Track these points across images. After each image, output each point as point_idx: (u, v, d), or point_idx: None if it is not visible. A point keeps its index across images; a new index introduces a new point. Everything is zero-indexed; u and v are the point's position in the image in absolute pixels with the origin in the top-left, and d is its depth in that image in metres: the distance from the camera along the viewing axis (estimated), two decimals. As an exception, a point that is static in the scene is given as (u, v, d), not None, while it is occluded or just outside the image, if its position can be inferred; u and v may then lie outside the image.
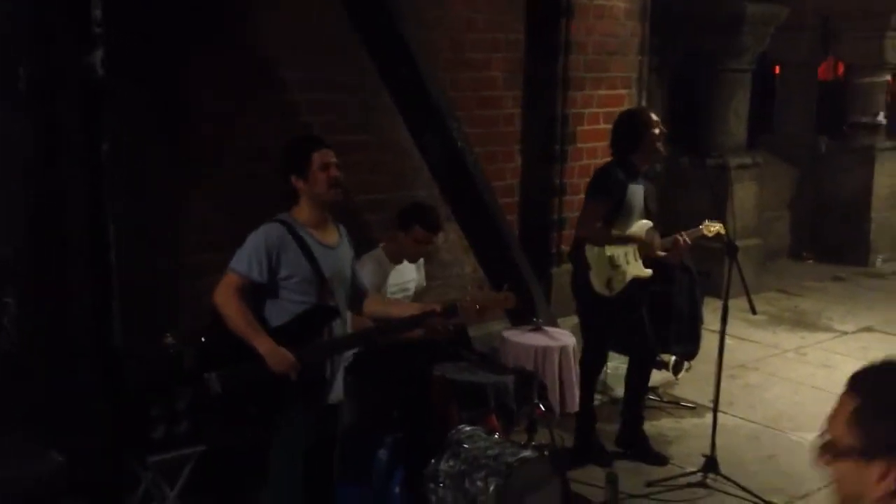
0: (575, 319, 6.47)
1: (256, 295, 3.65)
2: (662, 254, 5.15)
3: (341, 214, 3.95)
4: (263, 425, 3.69)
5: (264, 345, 3.54)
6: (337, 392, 3.88)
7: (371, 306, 4.03)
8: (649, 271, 5.18)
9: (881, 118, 10.37)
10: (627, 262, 5.06)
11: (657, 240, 5.11)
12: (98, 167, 4.10)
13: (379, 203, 5.51)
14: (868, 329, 7.99)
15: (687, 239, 5.13)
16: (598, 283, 5.07)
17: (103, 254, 4.14)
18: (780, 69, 10.98)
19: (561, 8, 6.31)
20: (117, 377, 4.24)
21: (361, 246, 4.53)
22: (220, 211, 4.96)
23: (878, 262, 10.29)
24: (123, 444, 4.22)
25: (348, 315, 3.96)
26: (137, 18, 4.49)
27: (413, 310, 3.89)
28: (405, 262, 4.87)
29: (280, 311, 3.67)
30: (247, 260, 3.60)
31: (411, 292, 4.92)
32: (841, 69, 11.50)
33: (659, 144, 5.07)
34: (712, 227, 5.28)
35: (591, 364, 5.28)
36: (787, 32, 9.82)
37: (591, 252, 5.08)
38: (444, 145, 5.52)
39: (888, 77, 10.39)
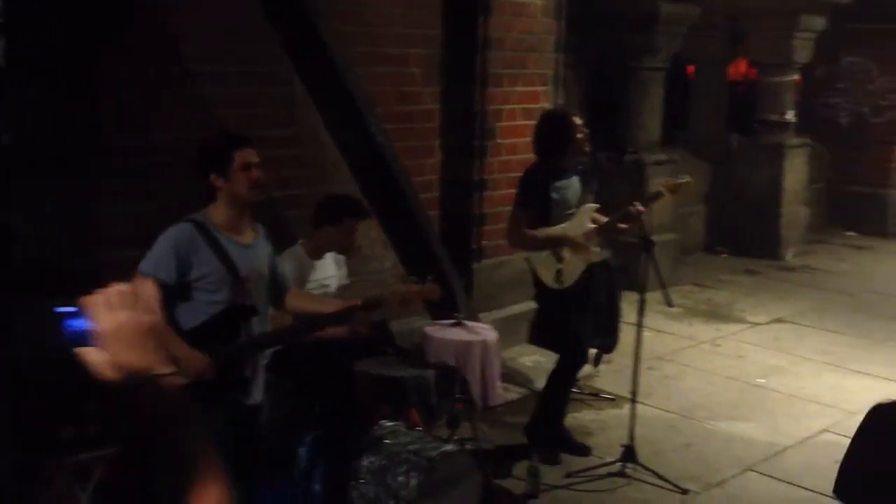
0: (497, 314, 6.55)
1: (167, 297, 3.58)
2: (624, 226, 5.19)
3: (258, 209, 3.89)
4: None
5: (176, 347, 3.47)
6: (258, 392, 3.83)
7: (293, 302, 3.98)
8: (605, 252, 5.24)
9: (789, 116, 10.66)
10: (576, 252, 5.09)
11: (584, 233, 5.11)
12: (-2, 160, 3.97)
13: (298, 198, 5.44)
14: (779, 320, 8.21)
15: (640, 207, 5.17)
16: (547, 278, 5.12)
17: (4, 249, 4.01)
18: (694, 68, 11.22)
19: (478, 4, 6.32)
20: (22, 377, 4.09)
21: (280, 242, 4.47)
22: (140, 206, 4.83)
23: (789, 255, 10.59)
24: (29, 446, 4.08)
25: (269, 313, 3.92)
26: (44, 8, 4.35)
27: (335, 306, 3.86)
28: (325, 258, 4.82)
29: (194, 313, 3.61)
30: (154, 262, 3.54)
31: (332, 289, 4.87)
32: (745, 68, 11.84)
33: (583, 146, 5.15)
34: (673, 183, 5.36)
35: (570, 364, 5.29)
36: (700, 32, 10.03)
37: (531, 255, 5.15)
38: (364, 140, 5.49)
39: (796, 76, 10.69)
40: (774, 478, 5.13)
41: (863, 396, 6.15)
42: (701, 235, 10.74)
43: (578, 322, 5.20)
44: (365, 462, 4.14)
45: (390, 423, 4.32)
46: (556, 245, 5.06)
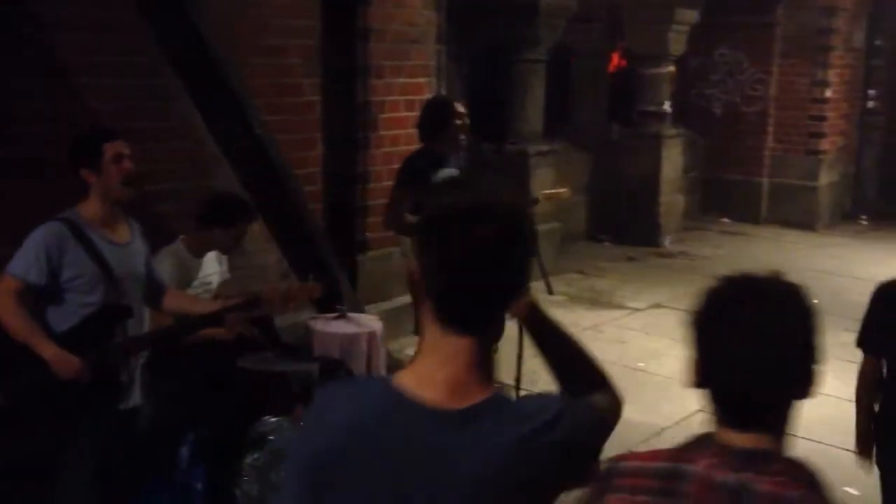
0: (383, 306, 6.55)
1: (38, 299, 3.47)
2: None
3: (134, 206, 3.79)
4: (54, 436, 3.51)
5: (48, 350, 3.37)
6: (135, 394, 3.74)
7: (170, 303, 3.89)
8: None
9: (666, 107, 10.99)
10: None
11: None
12: None
13: (176, 193, 5.31)
14: (657, 305, 8.46)
15: None
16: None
17: None
18: (574, 60, 11.44)
19: (358, -5, 6.31)
20: None
21: (158, 239, 4.37)
22: (12, 202, 4.63)
23: (667, 242, 10.93)
24: None
25: (147, 313, 3.83)
26: None
27: (213, 306, 3.79)
28: (208, 256, 4.73)
29: (66, 315, 3.50)
30: (24, 262, 3.42)
31: (214, 285, 4.78)
32: (617, 60, 12.15)
33: (462, 134, 5.19)
34: (549, 193, 5.43)
35: None
36: (579, 24, 10.25)
37: (404, 240, 5.15)
38: (243, 133, 5.41)
39: (672, 68, 11.02)
40: (653, 458, 5.29)
41: (736, 376, 6.41)
42: (583, 224, 10.98)
43: None
44: (248, 460, 4.09)
45: (274, 420, 4.28)
46: None
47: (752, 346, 1.56)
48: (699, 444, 1.73)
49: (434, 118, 5.16)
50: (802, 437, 5.02)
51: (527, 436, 1.51)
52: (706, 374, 1.63)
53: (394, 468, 1.48)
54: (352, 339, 4.98)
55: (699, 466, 1.65)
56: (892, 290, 3.29)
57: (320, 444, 1.53)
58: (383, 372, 5.09)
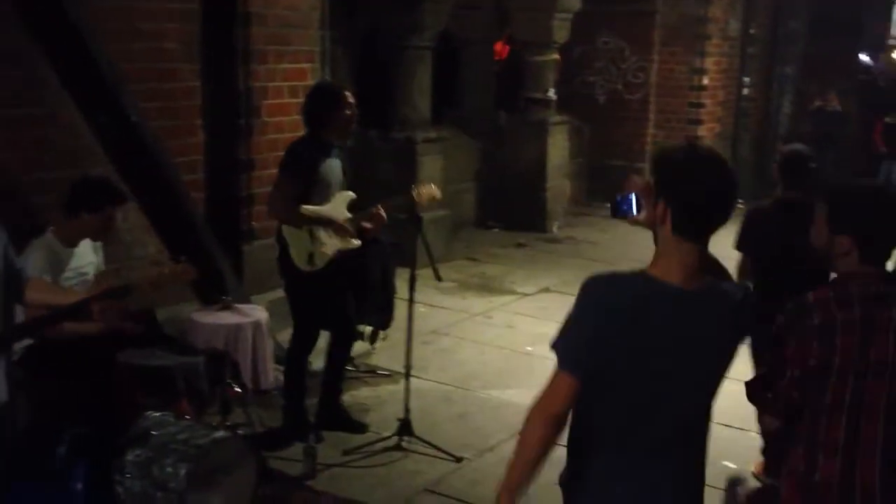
0: (270, 296, 6.43)
1: None
2: (368, 225, 5.16)
3: (6, 196, 3.61)
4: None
5: None
6: (2, 391, 3.55)
7: (33, 295, 3.71)
8: (357, 242, 5.21)
9: (552, 94, 11.12)
10: (330, 236, 5.03)
11: (346, 223, 5.07)
12: None
13: (47, 183, 5.09)
14: (546, 290, 8.58)
15: (382, 212, 5.16)
16: (298, 259, 5.02)
17: None
18: (461, 47, 11.46)
19: (237, -21, 6.16)
20: None
21: (28, 229, 4.18)
22: None
23: (554, 228, 11.08)
24: None
25: (17, 308, 3.64)
26: None
27: (77, 296, 3.63)
28: (82, 245, 4.55)
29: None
30: None
31: (90, 276, 4.61)
32: (503, 47, 12.26)
33: (350, 122, 5.10)
34: (423, 191, 5.38)
35: (298, 344, 5.23)
36: (465, 11, 10.27)
37: (287, 228, 5.03)
38: (118, 120, 5.22)
39: (556, 55, 11.16)
40: (542, 440, 5.36)
41: (621, 357, 6.55)
42: (473, 211, 11.04)
43: (334, 304, 5.17)
44: (130, 456, 3.96)
45: (157, 414, 4.15)
46: (322, 224, 4.97)
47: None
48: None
49: (322, 105, 5.04)
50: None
51: (732, 306, 2.40)
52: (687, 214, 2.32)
53: (655, 325, 2.33)
54: (237, 330, 4.87)
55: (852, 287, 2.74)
56: (757, 210, 4.62)
57: (614, 300, 2.33)
58: (269, 364, 4.99)
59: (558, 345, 2.42)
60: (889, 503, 2.75)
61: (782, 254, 4.32)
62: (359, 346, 6.57)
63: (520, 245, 10.40)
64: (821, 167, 13.66)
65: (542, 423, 2.41)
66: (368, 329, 6.62)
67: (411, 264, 5.22)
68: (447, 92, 11.17)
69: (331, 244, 5.02)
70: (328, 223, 4.97)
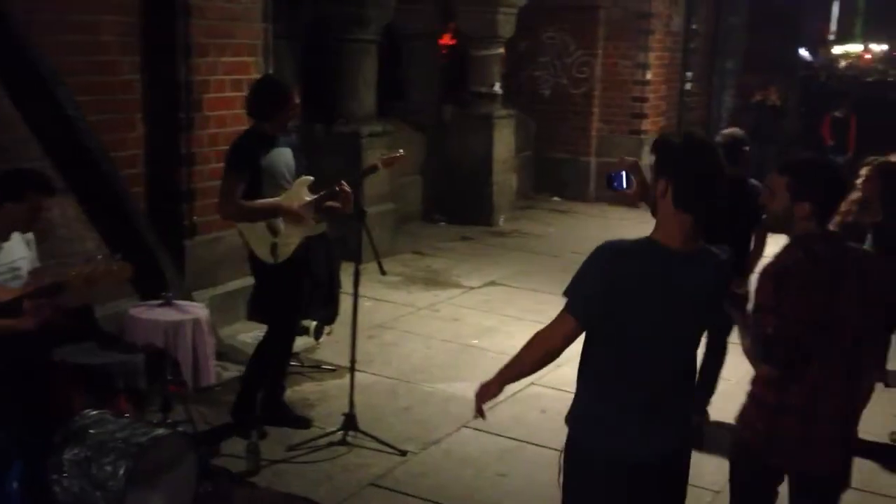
0: (213, 291, 6.38)
1: None
2: (335, 204, 5.13)
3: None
4: None
5: None
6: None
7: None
8: (322, 225, 5.16)
9: (497, 88, 11.16)
10: (295, 222, 4.99)
11: (301, 205, 5.03)
12: None
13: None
14: (492, 283, 8.61)
15: (346, 186, 5.12)
16: (261, 252, 4.99)
17: None
18: (406, 40, 11.43)
19: (177, -30, 6.07)
20: None
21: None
22: None
23: (500, 221, 11.13)
24: None
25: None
26: None
27: (8, 294, 3.55)
28: (13, 239, 4.44)
29: None
30: None
31: (23, 271, 4.49)
32: (449, 41, 12.26)
33: (293, 115, 5.09)
34: (387, 157, 5.38)
35: (273, 339, 5.18)
36: (411, 4, 10.25)
37: (243, 224, 5.00)
38: (54, 114, 5.11)
39: (501, 49, 11.19)
40: (486, 431, 5.37)
41: (566, 349, 6.59)
42: (418, 204, 11.04)
43: (294, 296, 5.16)
44: (68, 455, 3.90)
45: (95, 412, 4.09)
46: (273, 215, 4.94)
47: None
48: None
49: (262, 100, 5.02)
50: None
51: (718, 265, 2.89)
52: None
53: (658, 280, 2.80)
54: (176, 327, 4.81)
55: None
56: None
57: (623, 260, 2.80)
58: (211, 361, 4.94)
59: (569, 292, 2.87)
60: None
61: (727, 220, 4.53)
62: (303, 341, 6.55)
63: (466, 238, 10.42)
64: (762, 160, 14.00)
65: (541, 351, 2.95)
66: (313, 324, 6.59)
67: (356, 258, 5.20)
68: (393, 86, 11.14)
69: (295, 232, 4.99)
70: (279, 212, 4.94)
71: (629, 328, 2.82)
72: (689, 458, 3.06)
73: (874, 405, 5.59)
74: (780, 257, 3.21)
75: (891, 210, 5.08)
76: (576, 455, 2.97)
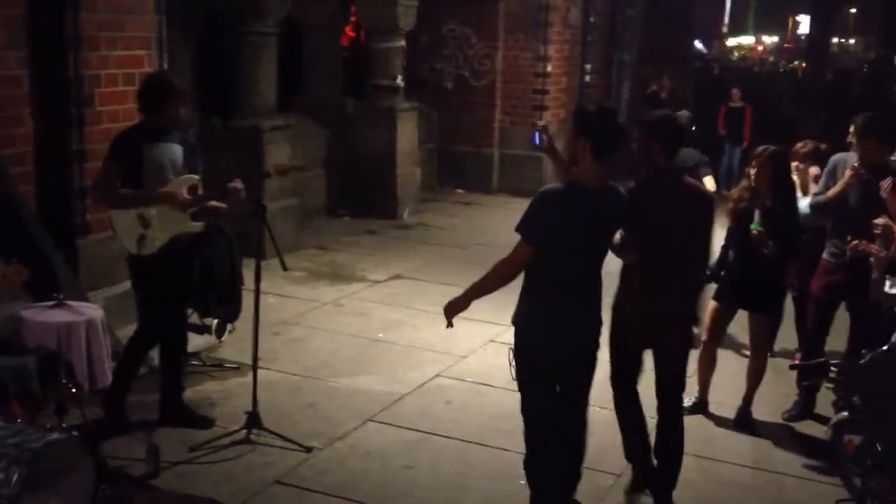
0: (108, 292, 6.22)
1: None
2: (217, 204, 5.06)
3: None
4: None
5: None
6: None
7: None
8: (198, 224, 5.09)
9: (399, 81, 11.15)
10: (171, 219, 4.90)
11: (181, 193, 4.96)
12: None
13: None
14: (397, 277, 8.61)
15: (238, 184, 5.07)
16: (127, 242, 4.90)
17: None
18: (306, 32, 11.34)
19: (66, -38, 5.88)
20: None
21: None
22: None
23: (405, 214, 11.13)
24: None
25: None
26: None
27: None
28: None
29: None
30: None
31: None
32: (351, 33, 12.23)
33: (180, 109, 5.02)
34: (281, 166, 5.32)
35: (140, 335, 5.10)
36: (310, -3, 10.17)
37: (113, 211, 4.91)
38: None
39: (403, 42, 11.18)
40: (392, 425, 5.39)
41: (470, 340, 6.65)
42: (323, 199, 10.96)
43: (160, 292, 5.06)
44: (-43, 464, 3.75)
45: (-14, 419, 3.95)
46: (145, 202, 4.88)
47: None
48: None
49: (150, 94, 5.00)
50: (517, 391, 5.30)
51: (624, 198, 4.05)
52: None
53: (582, 213, 3.84)
54: (69, 329, 4.67)
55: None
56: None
57: (559, 198, 3.86)
58: (107, 362, 4.81)
59: (521, 227, 3.85)
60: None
61: None
62: (206, 340, 6.46)
63: (370, 232, 10.40)
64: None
65: (504, 276, 3.97)
66: (215, 322, 6.50)
67: (257, 254, 5.15)
68: (294, 79, 11.03)
69: (167, 227, 4.90)
70: (153, 199, 4.86)
71: (565, 249, 3.86)
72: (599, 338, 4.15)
73: (768, 386, 5.82)
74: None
75: (779, 196, 5.28)
76: (528, 347, 3.98)
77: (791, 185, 5.50)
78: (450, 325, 4.07)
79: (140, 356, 5.20)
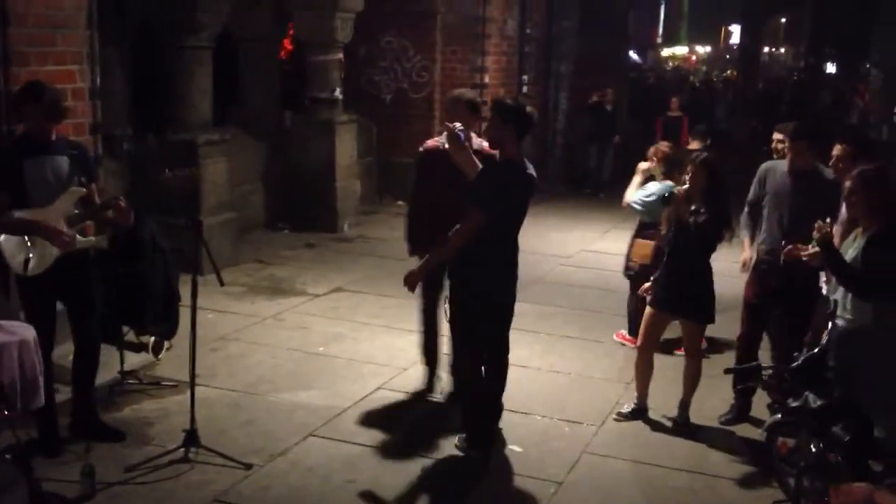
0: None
1: None
2: (111, 215, 4.97)
3: None
4: None
5: None
6: None
7: None
8: (92, 239, 5.01)
9: (338, 93, 11.14)
10: (50, 239, 4.73)
11: (70, 221, 4.84)
12: None
13: None
14: (338, 289, 8.59)
15: (122, 202, 4.93)
16: (14, 263, 4.81)
17: None
18: (243, 46, 11.26)
19: (-8, -24, 5.78)
20: None
21: None
22: None
23: (345, 227, 11.11)
24: None
25: None
26: None
27: None
28: None
29: None
30: None
31: None
32: (290, 46, 12.19)
33: (46, 121, 4.89)
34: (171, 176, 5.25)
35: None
36: (247, 10, 10.11)
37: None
38: None
39: (340, 55, 11.17)
40: (333, 439, 5.36)
41: (410, 353, 6.65)
42: (261, 213, 10.89)
43: (42, 311, 4.98)
44: None
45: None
46: (23, 232, 4.75)
47: None
48: None
49: (22, 102, 4.93)
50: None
51: (526, 172, 5.07)
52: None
53: (516, 182, 5.03)
54: (0, 349, 4.56)
55: None
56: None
57: (501, 173, 4.98)
58: (41, 381, 4.72)
59: (476, 198, 4.91)
60: None
61: None
62: (142, 358, 6.37)
63: (310, 245, 10.35)
64: (602, 160, 14.52)
65: (463, 240, 4.93)
66: (151, 339, 6.41)
67: (194, 270, 5.09)
68: (230, 92, 10.95)
69: (51, 248, 4.80)
70: (32, 229, 4.72)
71: (504, 214, 4.96)
72: None
73: (706, 391, 5.93)
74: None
75: (711, 200, 5.41)
76: (467, 298, 5.09)
77: (725, 190, 5.63)
78: (412, 291, 5.17)
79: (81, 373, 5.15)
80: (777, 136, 6.13)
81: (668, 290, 5.62)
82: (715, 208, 5.41)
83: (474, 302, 5.08)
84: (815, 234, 4.60)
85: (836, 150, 5.44)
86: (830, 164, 5.51)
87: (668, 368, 6.37)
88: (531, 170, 5.10)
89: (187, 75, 8.82)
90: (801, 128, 5.75)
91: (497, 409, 5.45)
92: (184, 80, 8.82)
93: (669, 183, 6.64)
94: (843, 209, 4.96)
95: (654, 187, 6.93)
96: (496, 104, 5.10)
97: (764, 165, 5.92)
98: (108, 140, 7.51)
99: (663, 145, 7.41)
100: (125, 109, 9.08)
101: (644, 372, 5.82)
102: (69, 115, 5.59)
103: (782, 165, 5.72)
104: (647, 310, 5.73)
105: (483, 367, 5.26)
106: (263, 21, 11.30)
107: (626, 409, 5.87)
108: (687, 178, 5.53)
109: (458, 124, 5.16)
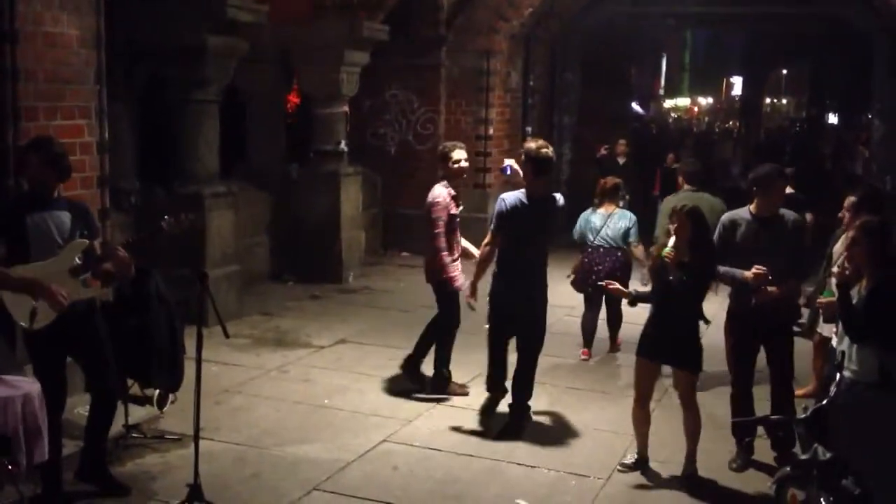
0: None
1: None
2: (109, 268, 5.00)
3: None
4: None
5: None
6: None
7: None
8: (93, 290, 5.03)
9: (343, 146, 11.24)
10: (48, 300, 4.73)
11: (73, 272, 4.87)
12: None
13: None
14: (342, 341, 8.57)
15: (121, 251, 5.00)
16: (18, 314, 4.81)
17: None
18: (248, 100, 11.38)
19: (3, 33, 5.86)
20: None
21: None
22: None
23: (350, 278, 11.12)
24: None
25: None
26: None
27: None
28: None
29: None
30: None
31: None
32: (295, 100, 12.31)
33: (38, 177, 4.97)
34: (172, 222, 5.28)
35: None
36: (252, 65, 10.22)
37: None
38: None
39: (346, 108, 11.29)
40: (337, 493, 5.32)
41: (416, 404, 6.62)
42: (266, 264, 10.92)
43: (51, 365, 5.00)
44: None
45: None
46: (23, 291, 4.75)
47: None
48: None
49: (23, 157, 5.06)
50: (466, 455, 5.38)
51: (552, 204, 6.48)
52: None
53: (526, 212, 6.35)
54: (5, 403, 4.55)
55: None
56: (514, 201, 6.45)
57: (512, 202, 6.38)
58: (45, 436, 4.69)
59: (493, 222, 6.42)
60: None
61: None
62: (146, 411, 6.34)
63: (315, 297, 10.35)
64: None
65: (488, 261, 6.58)
66: (156, 392, 6.39)
67: (199, 322, 5.10)
68: (237, 145, 11.05)
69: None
70: (31, 290, 4.72)
71: (513, 237, 6.35)
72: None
73: (711, 443, 5.87)
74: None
75: (697, 251, 5.50)
76: (492, 304, 6.53)
77: (709, 241, 5.66)
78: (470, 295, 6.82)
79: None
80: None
81: (658, 341, 5.61)
82: (701, 259, 5.44)
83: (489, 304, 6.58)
84: (835, 278, 4.65)
85: (847, 201, 5.58)
86: (839, 214, 5.65)
87: (675, 420, 6.32)
88: (550, 200, 6.40)
89: (195, 129, 8.91)
90: (771, 173, 5.87)
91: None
92: (191, 134, 8.91)
93: (604, 211, 8.40)
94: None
95: (598, 220, 8.45)
96: (523, 148, 6.46)
97: (727, 216, 6.03)
98: (115, 193, 7.55)
99: (609, 180, 8.68)
100: (133, 163, 9.15)
101: (641, 423, 5.80)
102: (77, 168, 5.64)
103: (744, 213, 5.88)
104: (637, 361, 5.74)
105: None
106: (269, 75, 11.43)
107: (629, 459, 5.83)
108: (672, 228, 5.54)
109: (509, 159, 7.09)
